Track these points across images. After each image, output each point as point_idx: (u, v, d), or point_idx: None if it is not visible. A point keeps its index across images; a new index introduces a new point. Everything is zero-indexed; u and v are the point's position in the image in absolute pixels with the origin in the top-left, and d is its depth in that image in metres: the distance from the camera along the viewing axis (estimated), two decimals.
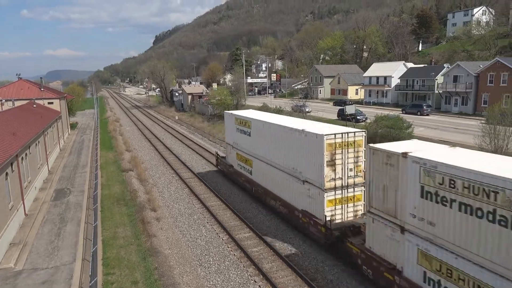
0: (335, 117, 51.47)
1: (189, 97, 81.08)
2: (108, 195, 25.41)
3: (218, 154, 31.22)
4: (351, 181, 16.35)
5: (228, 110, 60.67)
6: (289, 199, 19.06)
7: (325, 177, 15.83)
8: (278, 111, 50.57)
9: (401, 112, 53.32)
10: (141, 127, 59.98)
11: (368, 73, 74.03)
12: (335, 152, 15.86)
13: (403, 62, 72.18)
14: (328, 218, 15.95)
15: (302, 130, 17.26)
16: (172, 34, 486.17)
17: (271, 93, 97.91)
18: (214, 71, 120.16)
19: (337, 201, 16.23)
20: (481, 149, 29.50)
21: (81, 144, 45.53)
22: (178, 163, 33.54)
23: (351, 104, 54.59)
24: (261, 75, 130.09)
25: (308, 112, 54.32)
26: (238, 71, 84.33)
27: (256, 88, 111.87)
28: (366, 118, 45.96)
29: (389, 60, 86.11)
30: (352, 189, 16.44)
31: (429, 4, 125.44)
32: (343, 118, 46.97)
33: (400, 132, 36.29)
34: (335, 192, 16.14)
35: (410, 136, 36.47)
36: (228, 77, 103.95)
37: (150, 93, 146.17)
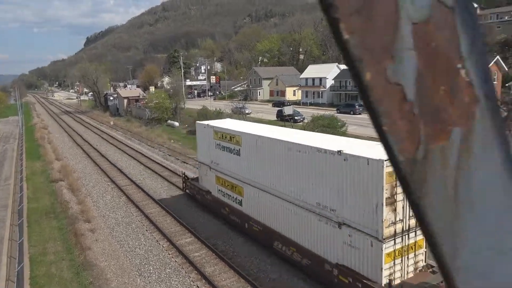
0: (274, 118, 52.52)
1: (125, 101, 77.95)
2: (36, 209, 23.52)
3: (185, 176, 24.35)
4: (412, 222, 11.82)
5: (167, 114, 59.56)
6: (311, 247, 13.71)
7: (384, 221, 11.13)
8: (218, 113, 50.45)
9: (336, 112, 55.79)
10: (72, 134, 56.45)
11: (305, 74, 76.57)
12: (396, 184, 11.12)
13: (337, 64, 75.64)
14: (386, 280, 11.31)
15: (339, 152, 12.02)
16: (105, 36, 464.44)
17: (210, 96, 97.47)
18: (151, 74, 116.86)
19: (397, 253, 11.75)
20: None
21: (3, 155, 41.74)
22: (114, 171, 32.04)
23: (289, 105, 56.13)
24: (200, 77, 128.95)
25: (248, 113, 54.83)
26: (176, 73, 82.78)
27: (196, 91, 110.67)
28: (304, 118, 47.45)
29: (324, 62, 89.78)
30: (414, 233, 12.00)
31: None
32: (282, 119, 48.07)
33: (335, 131, 38.04)
34: (394, 241, 11.53)
35: (344, 134, 38.42)
36: (166, 80, 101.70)
37: (82, 97, 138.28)
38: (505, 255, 0.47)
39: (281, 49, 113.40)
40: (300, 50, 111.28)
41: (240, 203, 18.10)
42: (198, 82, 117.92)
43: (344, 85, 66.71)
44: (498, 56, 53.50)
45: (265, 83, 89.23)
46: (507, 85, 48.58)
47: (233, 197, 18.70)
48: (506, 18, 77.30)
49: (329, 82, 70.06)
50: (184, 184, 24.37)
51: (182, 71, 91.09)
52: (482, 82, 0.45)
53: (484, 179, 0.46)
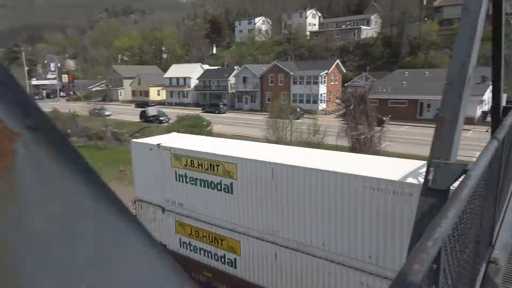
0: (137, 119, 50.17)
1: None
2: None
3: None
4: None
5: None
6: None
7: None
8: (74, 116, 45.68)
9: (201, 111, 56.35)
10: None
11: (168, 74, 75.22)
12: None
13: (200, 64, 76.46)
14: None
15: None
16: None
17: (63, 96, 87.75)
18: None
19: None
20: (267, 140, 34.17)
21: None
22: None
23: (153, 105, 54.42)
24: (50, 76, 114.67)
25: (108, 115, 51.10)
26: (17, 71, 71.73)
27: (45, 91, 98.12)
28: (169, 119, 46.58)
29: (188, 62, 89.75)
30: None
31: (219, 11, 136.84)
32: (146, 120, 46.36)
33: (201, 130, 38.43)
34: None
35: (210, 133, 39.07)
36: None
37: None
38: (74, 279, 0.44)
39: (143, 47, 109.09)
40: (163, 49, 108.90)
41: (233, 263, 12.31)
42: (47, 81, 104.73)
43: (209, 85, 67.88)
44: (338, 60, 61.72)
45: (127, 82, 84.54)
46: (346, 85, 56.37)
47: (217, 254, 12.75)
48: (343, 27, 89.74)
49: (194, 82, 70.37)
50: None
51: (25, 68, 79.67)
52: (19, 117, 0.43)
53: (54, 212, 0.43)
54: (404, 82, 47.91)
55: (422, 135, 33.04)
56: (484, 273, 3.31)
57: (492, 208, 3.40)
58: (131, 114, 55.84)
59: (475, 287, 3.04)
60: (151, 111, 46.76)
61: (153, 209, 14.61)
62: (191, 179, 13.02)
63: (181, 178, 13.35)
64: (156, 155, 13.97)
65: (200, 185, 12.74)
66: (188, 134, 17.97)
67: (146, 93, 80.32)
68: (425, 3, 76.69)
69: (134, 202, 15.81)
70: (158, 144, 13.91)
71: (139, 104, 67.97)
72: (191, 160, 12.84)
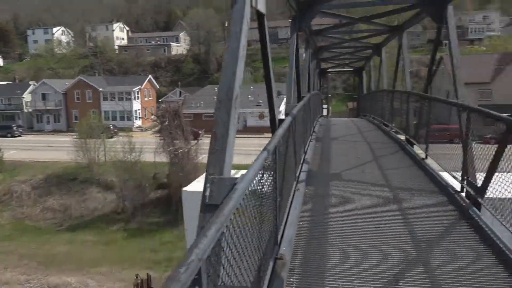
0: None
1: None
2: None
3: None
4: None
5: None
6: None
7: None
8: None
9: None
10: None
11: None
12: None
13: None
14: None
15: None
16: None
17: None
18: None
19: None
20: (76, 163, 30.76)
21: None
22: None
23: None
24: None
25: None
26: None
27: None
28: None
29: None
30: None
31: (5, 18, 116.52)
32: None
33: None
34: None
35: (0, 162, 32.50)
36: None
37: None
38: None
39: None
40: None
41: None
42: None
43: None
44: (150, 76, 61.15)
45: None
46: (160, 100, 56.24)
47: None
48: (153, 42, 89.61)
49: None
50: None
51: None
52: None
53: None
54: (215, 97, 50.90)
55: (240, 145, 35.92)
56: (272, 270, 3.65)
57: (274, 211, 3.80)
58: None
59: (264, 285, 3.31)
60: None
61: None
62: None
63: None
64: None
65: None
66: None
67: None
68: (226, 25, 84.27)
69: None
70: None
71: None
72: None
